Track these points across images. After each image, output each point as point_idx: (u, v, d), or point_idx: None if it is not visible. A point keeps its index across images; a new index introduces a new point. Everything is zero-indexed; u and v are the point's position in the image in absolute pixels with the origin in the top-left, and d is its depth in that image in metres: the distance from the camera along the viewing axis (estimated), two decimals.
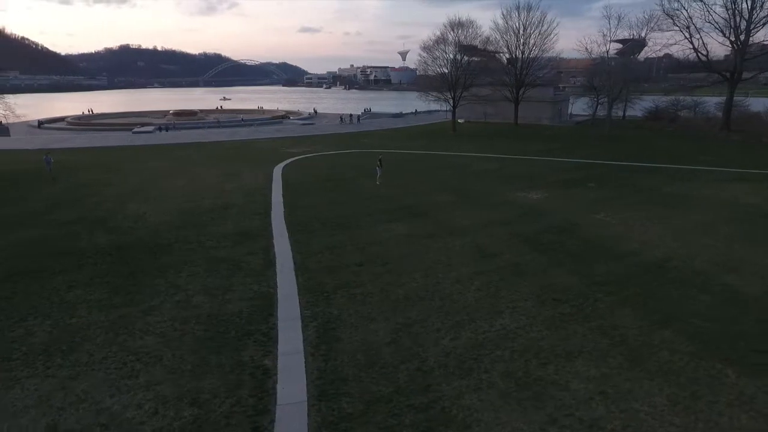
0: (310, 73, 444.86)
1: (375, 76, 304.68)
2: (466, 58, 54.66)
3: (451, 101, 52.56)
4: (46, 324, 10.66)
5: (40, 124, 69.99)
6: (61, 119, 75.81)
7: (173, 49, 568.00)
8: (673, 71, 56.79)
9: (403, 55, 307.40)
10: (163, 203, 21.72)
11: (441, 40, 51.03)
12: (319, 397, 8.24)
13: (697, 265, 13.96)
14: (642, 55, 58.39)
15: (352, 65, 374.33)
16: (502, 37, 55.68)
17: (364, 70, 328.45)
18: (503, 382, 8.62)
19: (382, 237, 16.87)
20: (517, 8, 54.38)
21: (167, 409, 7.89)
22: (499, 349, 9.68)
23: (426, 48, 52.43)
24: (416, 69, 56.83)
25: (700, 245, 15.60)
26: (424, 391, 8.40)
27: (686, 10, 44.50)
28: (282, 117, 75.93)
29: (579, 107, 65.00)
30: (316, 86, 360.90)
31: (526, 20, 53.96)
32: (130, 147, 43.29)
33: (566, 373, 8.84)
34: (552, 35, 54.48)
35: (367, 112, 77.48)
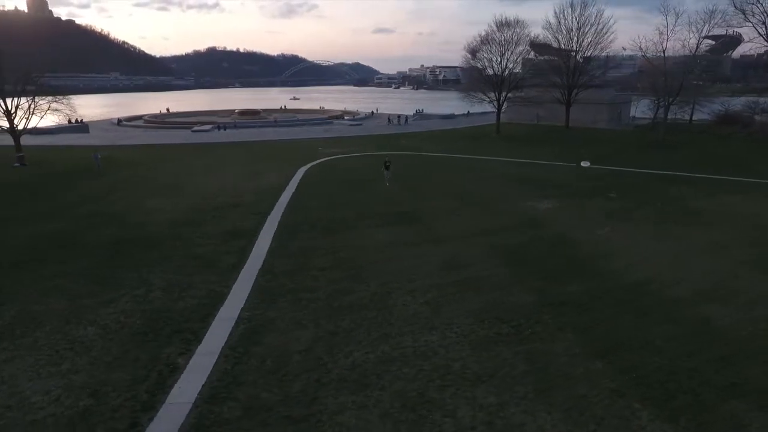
0: (380, 74, 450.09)
1: (444, 75, 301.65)
2: (535, 55, 53.10)
3: (496, 103, 51.04)
4: (14, 310, 11.80)
5: (120, 121, 76.45)
6: (139, 117, 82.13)
7: (254, 50, 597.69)
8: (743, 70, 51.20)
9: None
10: (180, 200, 23.12)
11: (485, 40, 49.72)
12: (208, 400, 8.49)
13: (676, 292, 12.67)
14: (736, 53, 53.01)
15: (422, 65, 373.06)
16: (554, 36, 53.20)
17: (433, 70, 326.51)
18: (391, 401, 8.41)
19: (362, 242, 16.90)
20: (571, 5, 51.68)
21: (68, 398, 8.51)
22: (407, 367, 9.43)
23: (470, 50, 51.30)
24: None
25: (698, 269, 14.14)
26: (310, 403, 8.39)
27: (762, 4, 40.02)
28: (338, 116, 77.57)
29: (642, 110, 60.58)
30: (386, 86, 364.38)
31: (581, 18, 51.17)
32: (183, 145, 46.36)
33: (461, 399, 8.46)
34: (608, 33, 51.31)
35: (419, 113, 77.15)
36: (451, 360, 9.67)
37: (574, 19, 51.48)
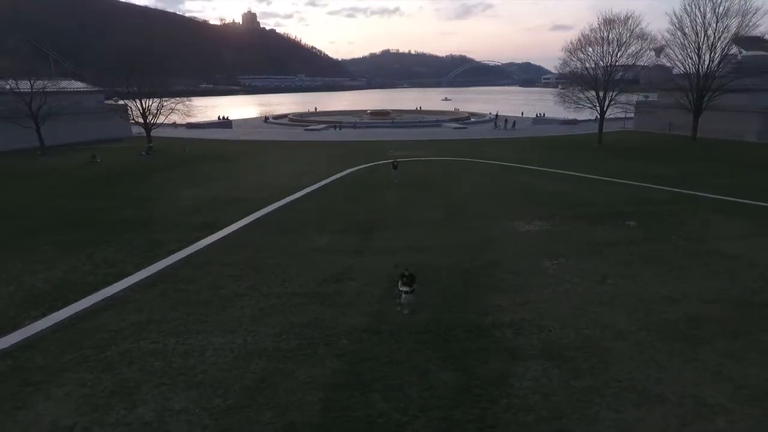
0: (550, 73, 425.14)
1: (621, 75, 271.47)
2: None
3: (598, 107, 45.54)
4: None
5: (266, 119, 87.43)
6: (285, 116, 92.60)
7: (424, 52, 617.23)
8: None
9: (658, 51, 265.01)
10: (210, 192, 26.61)
11: (589, 41, 44.59)
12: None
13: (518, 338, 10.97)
14: None
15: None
16: (680, 30, 44.94)
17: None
18: None
19: (299, 245, 17.71)
20: None
21: None
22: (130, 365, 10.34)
23: (569, 50, 46.48)
24: (672, 67, 48.70)
25: (596, 324, 11.84)
26: None
27: None
28: (463, 118, 76.97)
29: None
30: (553, 86, 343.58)
31: (717, 6, 42.30)
32: (284, 142, 51.58)
33: None
34: (752, 25, 41.56)
35: (540, 117, 72.09)
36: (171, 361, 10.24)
37: (708, 8, 42.91)
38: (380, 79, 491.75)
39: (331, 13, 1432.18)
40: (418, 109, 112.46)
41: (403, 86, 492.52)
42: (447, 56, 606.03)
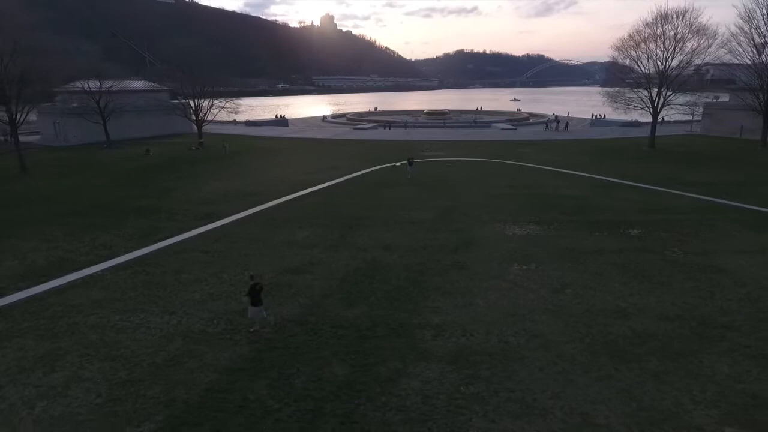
0: (634, 72, 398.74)
1: (712, 75, 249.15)
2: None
3: (651, 109, 42.28)
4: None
5: (324, 118, 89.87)
6: (343, 115, 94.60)
7: (499, 51, 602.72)
8: None
9: (760, 47, 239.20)
10: (232, 185, 28.08)
11: (643, 38, 41.43)
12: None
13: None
14: None
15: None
16: (749, 23, 40.36)
17: (699, 68, 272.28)
18: None
19: (279, 238, 18.38)
20: None
21: None
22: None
23: (618, 47, 43.40)
24: (738, 64, 44.63)
25: (526, 332, 11.35)
26: None
27: None
28: (523, 119, 74.73)
29: None
30: (636, 87, 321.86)
31: None
32: (325, 140, 52.87)
33: None
34: None
35: (599, 119, 67.93)
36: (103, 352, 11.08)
37: None
38: (452, 79, 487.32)
39: (408, 13, 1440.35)
40: (479, 109, 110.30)
41: (476, 86, 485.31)
42: (523, 56, 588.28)
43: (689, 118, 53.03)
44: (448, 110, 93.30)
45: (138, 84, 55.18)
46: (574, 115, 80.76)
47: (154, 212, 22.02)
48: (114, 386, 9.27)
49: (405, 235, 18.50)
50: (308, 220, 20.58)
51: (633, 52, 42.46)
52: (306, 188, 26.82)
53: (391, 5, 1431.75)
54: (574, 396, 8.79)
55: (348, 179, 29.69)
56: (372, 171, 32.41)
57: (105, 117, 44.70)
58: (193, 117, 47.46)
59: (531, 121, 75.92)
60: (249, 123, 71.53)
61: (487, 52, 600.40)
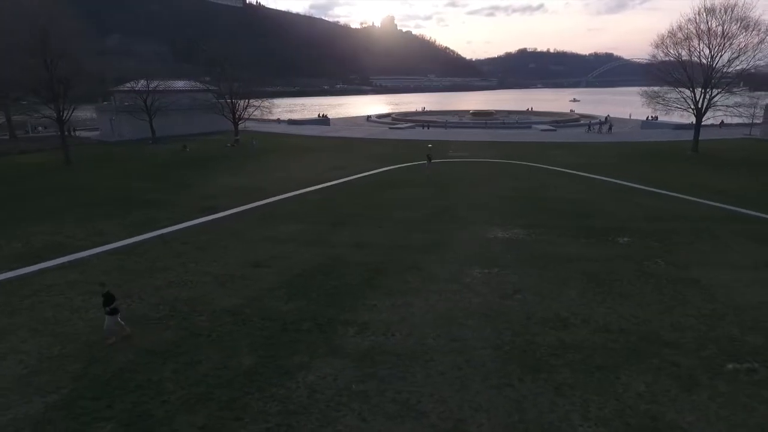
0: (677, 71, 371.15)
1: (723, 71, 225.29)
2: None
3: (694, 110, 39.33)
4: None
5: (368, 118, 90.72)
6: (388, 115, 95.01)
7: (564, 50, 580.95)
8: None
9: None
10: (244, 181, 29.23)
11: (686, 35, 38.56)
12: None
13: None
14: None
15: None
16: None
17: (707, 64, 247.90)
18: None
19: (260, 233, 19.02)
20: None
21: None
22: None
23: (656, 44, 40.54)
24: None
25: (448, 335, 11.20)
26: None
27: None
28: (573, 120, 71.97)
29: None
30: (677, 87, 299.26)
31: None
32: (355, 138, 53.44)
33: None
34: None
35: (650, 121, 63.76)
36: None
37: None
38: (512, 79, 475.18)
39: (470, 12, 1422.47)
40: (529, 110, 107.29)
41: (537, 86, 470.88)
42: (590, 54, 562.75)
43: (746, 120, 48.78)
44: (495, 111, 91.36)
45: (181, 84, 58.32)
46: (633, 117, 76.61)
47: (161, 204, 23.39)
48: (43, 360, 10.11)
49: (383, 235, 18.55)
50: (299, 217, 21.11)
51: (673, 50, 39.61)
52: (313, 185, 27.40)
53: (453, 5, 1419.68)
54: (460, 402, 8.60)
55: (360, 177, 30.01)
56: (389, 170, 32.53)
57: (151, 115, 47.66)
58: (230, 115, 49.51)
59: (582, 122, 72.81)
60: (291, 122, 73.71)
61: (551, 50, 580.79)
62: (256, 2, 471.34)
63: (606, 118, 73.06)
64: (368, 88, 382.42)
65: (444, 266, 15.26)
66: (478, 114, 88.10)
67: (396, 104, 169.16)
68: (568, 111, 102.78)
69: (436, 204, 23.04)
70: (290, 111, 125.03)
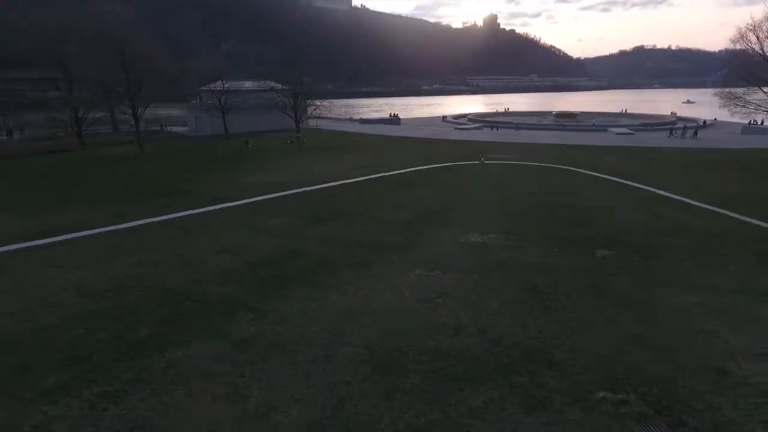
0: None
1: None
2: None
3: None
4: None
5: (444, 118, 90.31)
6: (464, 116, 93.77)
7: (688, 47, 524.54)
8: None
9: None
10: (273, 176, 31.05)
11: None
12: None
13: None
14: None
15: None
16: None
17: None
18: None
19: (248, 222, 20.38)
20: None
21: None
22: None
23: (734, 40, 35.20)
24: None
25: (323, 336, 11.40)
26: None
27: None
28: (669, 122, 65.81)
29: None
30: (763, 86, 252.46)
31: None
32: (411, 138, 53.61)
33: None
34: None
35: (754, 125, 55.65)
36: None
37: None
38: (622, 79, 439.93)
39: (583, 8, 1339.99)
40: (623, 111, 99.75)
41: (654, 86, 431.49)
42: (720, 51, 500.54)
43: None
44: (579, 112, 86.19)
45: (249, 84, 62.80)
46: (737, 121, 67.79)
47: (184, 194, 25.78)
48: None
49: (359, 233, 18.81)
50: (292, 211, 22.10)
51: (757, 46, 34.56)
52: (332, 181, 28.34)
53: (564, 1, 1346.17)
54: (286, 392, 8.78)
55: (382, 176, 30.39)
56: (418, 170, 32.49)
57: (224, 112, 52.12)
58: (292, 114, 52.45)
59: (677, 125, 66.00)
60: (363, 121, 75.65)
61: (672, 47, 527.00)
62: (361, 5, 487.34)
63: (704, 122, 65.50)
64: (465, 88, 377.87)
65: (391, 266, 15.21)
66: (560, 115, 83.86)
67: (491, 104, 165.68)
68: (669, 113, 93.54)
69: (434, 206, 22.73)
70: (377, 111, 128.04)
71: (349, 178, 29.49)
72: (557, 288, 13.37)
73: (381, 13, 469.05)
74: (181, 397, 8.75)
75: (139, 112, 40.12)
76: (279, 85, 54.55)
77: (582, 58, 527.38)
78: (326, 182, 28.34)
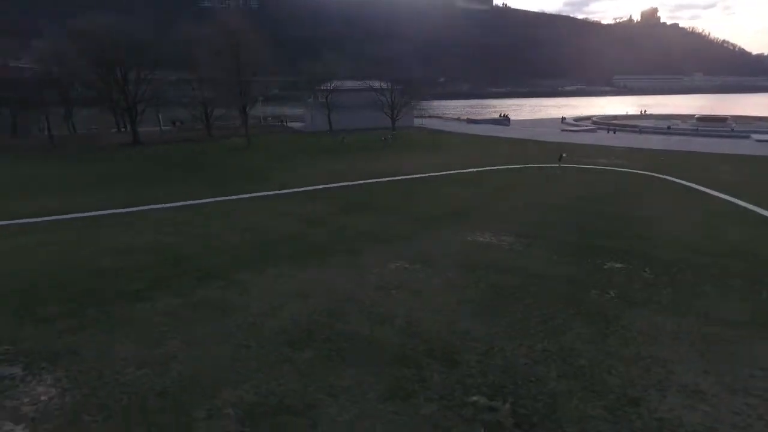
0: None
1: None
2: None
3: None
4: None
5: (563, 120, 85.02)
6: (588, 118, 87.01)
7: None
8: None
9: None
10: (342, 167, 32.93)
11: None
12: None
13: None
14: None
15: None
16: None
17: None
18: None
19: (285, 207, 22.25)
20: None
21: None
22: None
23: None
24: None
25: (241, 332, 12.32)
26: None
27: None
28: None
29: None
30: None
31: None
32: (505, 138, 51.62)
33: None
34: None
35: None
36: None
37: None
38: None
39: None
40: None
41: None
42: None
43: None
44: (729, 116, 74.58)
45: (350, 83, 65.91)
46: None
47: (257, 180, 28.70)
48: None
49: (373, 223, 19.35)
50: (328, 199, 23.48)
51: None
52: (388, 176, 29.16)
53: None
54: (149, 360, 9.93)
55: (447, 174, 30.33)
56: (486, 170, 31.76)
57: (329, 110, 56.04)
58: (389, 112, 54.26)
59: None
60: (470, 121, 74.67)
61: None
62: (503, 4, 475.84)
63: None
64: (609, 89, 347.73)
65: (379, 256, 15.53)
66: (704, 119, 73.57)
67: (641, 106, 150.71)
68: None
69: (470, 204, 22.21)
70: (499, 111, 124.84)
71: (409, 174, 29.97)
72: (527, 294, 12.52)
73: (522, 10, 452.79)
74: (120, 337, 10.34)
75: (247, 109, 45.38)
76: (377, 84, 56.94)
77: (764, 53, 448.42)
78: (384, 177, 29.20)
